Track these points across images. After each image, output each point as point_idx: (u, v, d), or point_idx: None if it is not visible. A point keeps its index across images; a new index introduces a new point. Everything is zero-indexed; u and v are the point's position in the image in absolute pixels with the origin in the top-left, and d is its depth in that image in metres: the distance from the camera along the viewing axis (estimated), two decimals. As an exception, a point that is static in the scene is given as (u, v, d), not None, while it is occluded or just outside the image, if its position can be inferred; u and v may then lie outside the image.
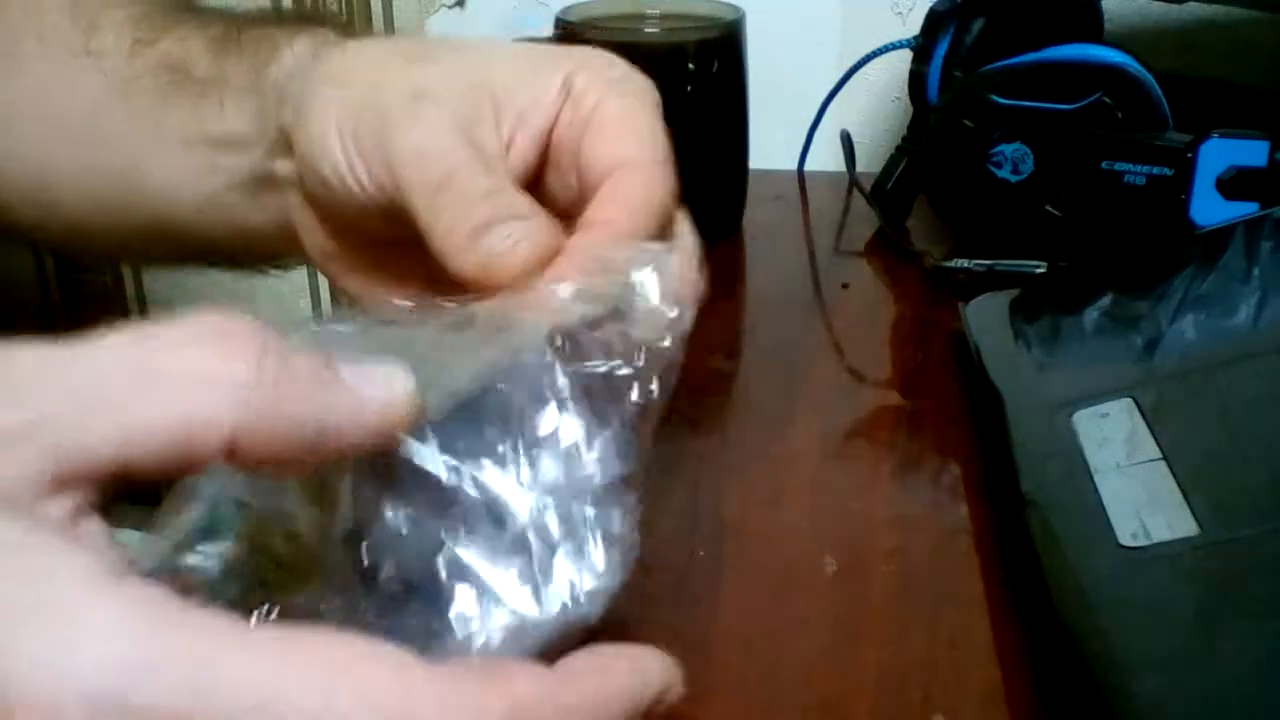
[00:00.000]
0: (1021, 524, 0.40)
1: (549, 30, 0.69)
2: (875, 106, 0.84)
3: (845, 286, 0.65)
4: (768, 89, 0.73)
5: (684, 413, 0.51)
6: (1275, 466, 0.37)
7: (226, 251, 0.46)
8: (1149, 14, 0.76)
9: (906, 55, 0.69)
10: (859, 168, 0.75)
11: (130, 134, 0.44)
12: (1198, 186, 0.59)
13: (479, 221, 0.33)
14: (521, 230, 0.33)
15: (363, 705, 0.21)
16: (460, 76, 0.36)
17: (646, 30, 0.70)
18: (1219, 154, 0.58)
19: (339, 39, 0.40)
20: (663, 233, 0.35)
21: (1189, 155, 0.59)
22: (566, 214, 0.36)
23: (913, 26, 0.69)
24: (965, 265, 0.62)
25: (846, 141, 0.75)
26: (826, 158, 0.78)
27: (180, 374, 0.23)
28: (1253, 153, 0.58)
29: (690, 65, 0.67)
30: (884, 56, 0.71)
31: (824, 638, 0.38)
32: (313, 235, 0.41)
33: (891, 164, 0.70)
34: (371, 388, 0.25)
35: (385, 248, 0.39)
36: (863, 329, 0.61)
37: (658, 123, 0.36)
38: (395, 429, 0.26)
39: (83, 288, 1.05)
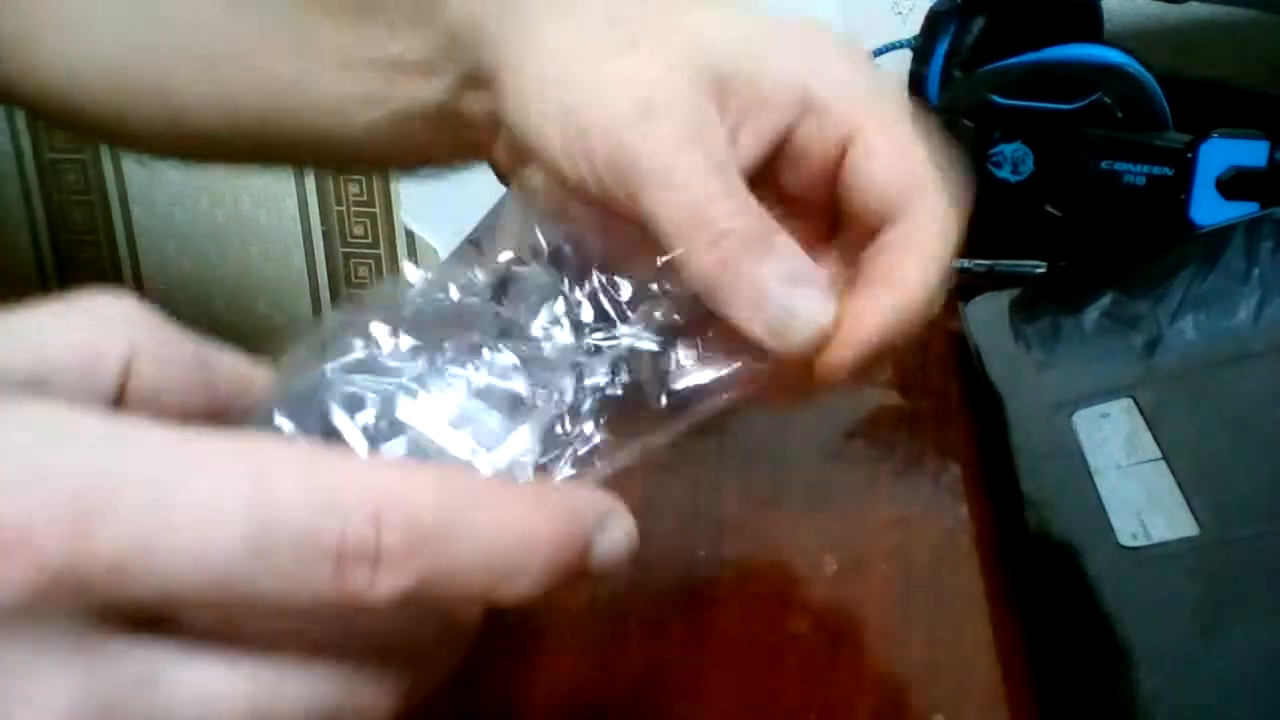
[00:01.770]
0: (1021, 524, 0.40)
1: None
2: (875, 106, 0.84)
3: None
4: (768, 89, 0.73)
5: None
6: (1275, 466, 0.37)
7: (395, 163, 0.46)
8: (1149, 14, 0.76)
9: (906, 55, 0.69)
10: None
11: (267, 56, 0.43)
12: (1198, 186, 0.59)
13: (761, 285, 0.32)
14: (816, 309, 0.33)
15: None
16: (681, 69, 0.34)
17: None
18: (1219, 154, 0.58)
19: None
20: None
21: (1189, 155, 0.59)
22: (809, 213, 0.36)
23: (913, 26, 0.69)
24: (965, 265, 0.62)
25: (846, 141, 0.75)
26: (826, 158, 0.78)
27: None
28: (1253, 153, 0.58)
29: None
30: (884, 56, 0.71)
31: (824, 638, 0.38)
32: (510, 166, 0.39)
33: (891, 164, 0.70)
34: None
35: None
36: (863, 329, 0.61)
37: (925, 153, 0.35)
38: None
39: (76, 255, 1.05)
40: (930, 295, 0.34)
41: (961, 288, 0.60)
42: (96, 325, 0.25)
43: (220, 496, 0.21)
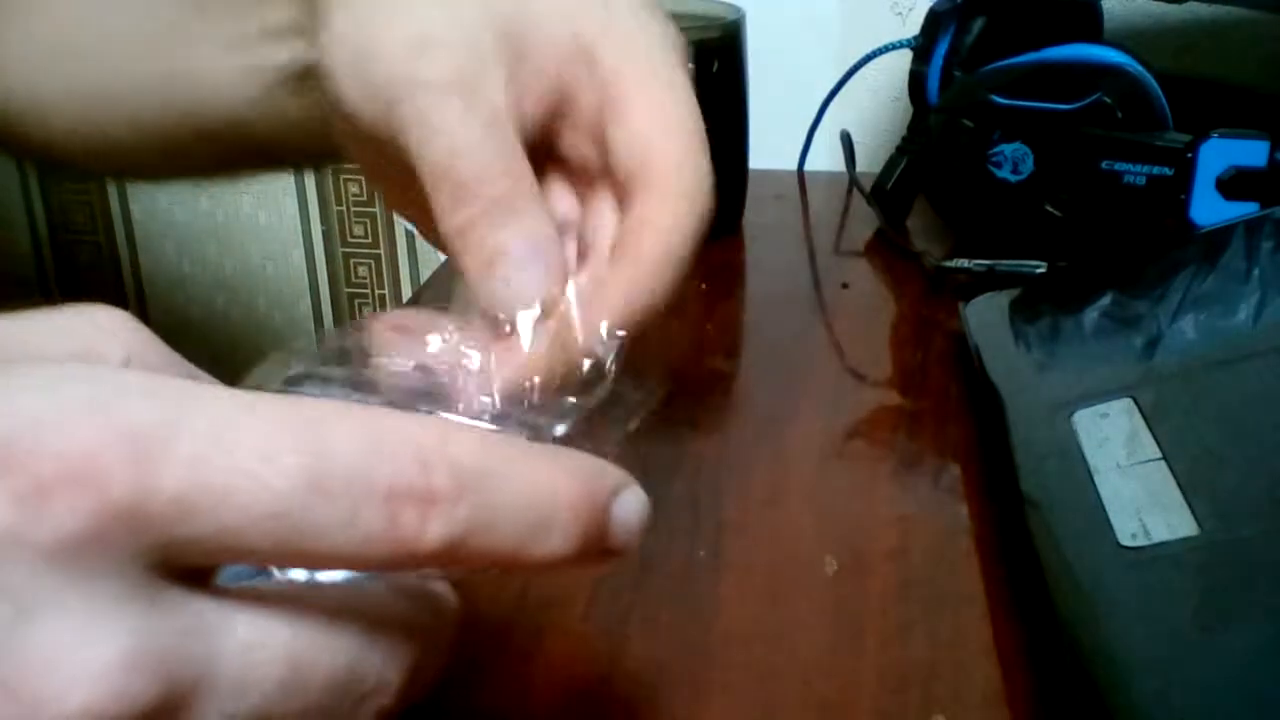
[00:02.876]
0: (1021, 524, 0.40)
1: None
2: (875, 106, 0.84)
3: (845, 286, 0.65)
4: (768, 89, 0.74)
5: (684, 413, 0.51)
6: (1275, 466, 0.37)
7: (278, 151, 0.45)
8: (1149, 14, 0.76)
9: (906, 55, 0.69)
10: (859, 168, 0.75)
11: (169, 44, 0.44)
12: (1198, 186, 0.59)
13: (491, 250, 0.33)
14: (530, 287, 0.33)
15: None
16: (470, 13, 0.34)
17: None
18: (1219, 154, 0.58)
19: None
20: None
21: (1189, 155, 0.59)
22: (579, 170, 0.36)
23: (913, 26, 0.69)
24: (965, 265, 0.62)
25: (846, 141, 0.75)
26: (826, 158, 0.79)
27: None
28: (1253, 153, 0.58)
29: (690, 65, 0.67)
30: (884, 56, 0.71)
31: (824, 638, 0.38)
32: (343, 133, 0.39)
33: (891, 164, 0.70)
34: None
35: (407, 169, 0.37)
36: (863, 329, 0.61)
37: (679, 104, 0.35)
38: None
39: (76, 255, 1.05)
40: (666, 275, 0.34)
41: (961, 288, 0.60)
42: (95, 332, 0.26)
43: (277, 436, 0.21)
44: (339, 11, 0.36)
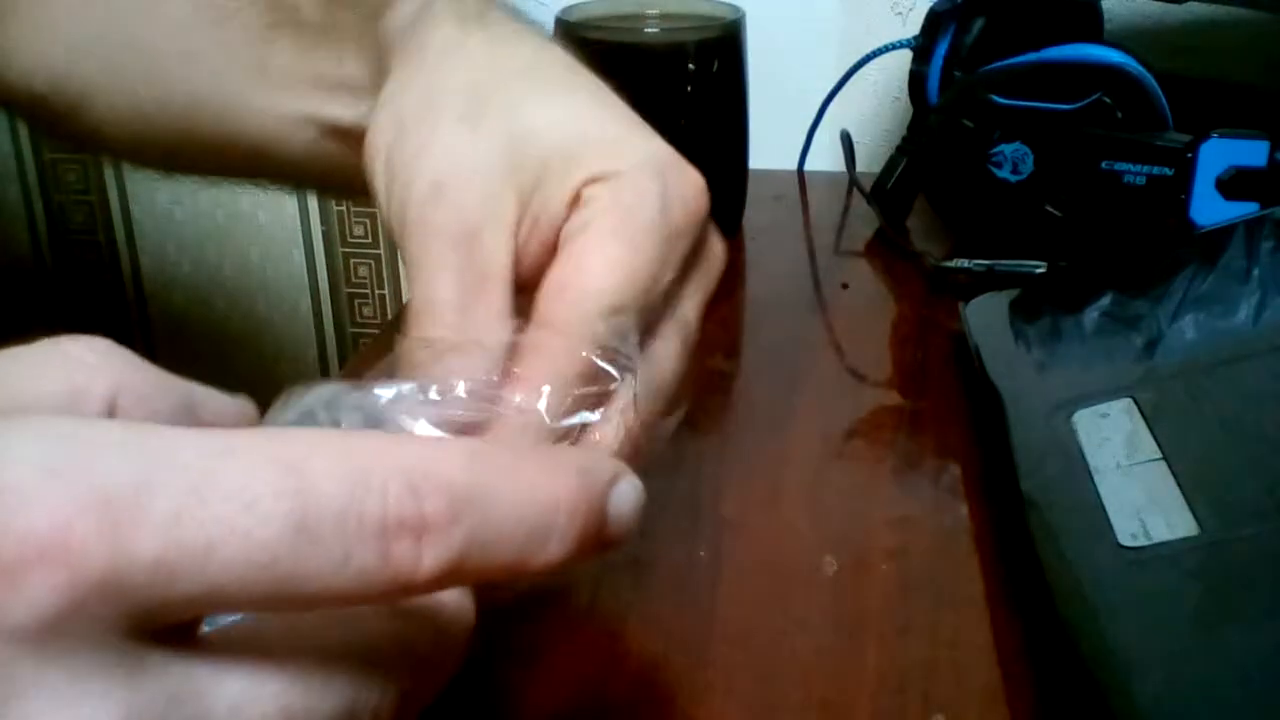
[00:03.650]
0: (1021, 524, 0.40)
1: (549, 30, 0.69)
2: (875, 106, 0.84)
3: (845, 286, 0.65)
4: (768, 89, 0.74)
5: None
6: (1275, 466, 0.37)
7: (340, 183, 0.45)
8: (1149, 14, 0.76)
9: (906, 55, 0.69)
10: (859, 168, 0.75)
11: (225, 68, 0.44)
12: (1198, 186, 0.59)
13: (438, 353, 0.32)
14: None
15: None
16: (496, 159, 0.34)
17: (646, 30, 0.70)
18: (1219, 154, 0.58)
19: (444, 10, 0.37)
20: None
21: (1189, 155, 0.59)
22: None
23: (913, 26, 0.69)
24: (965, 265, 0.62)
25: (846, 141, 0.75)
26: (826, 158, 0.79)
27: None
28: (1253, 153, 0.58)
29: (690, 65, 0.67)
30: (884, 56, 0.71)
31: (824, 638, 0.38)
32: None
33: (891, 164, 0.70)
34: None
35: None
36: (863, 329, 0.61)
37: (609, 275, 0.32)
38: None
39: (76, 255, 1.05)
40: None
41: (961, 288, 0.60)
42: (77, 367, 0.25)
43: (255, 482, 0.21)
44: (384, 109, 0.36)
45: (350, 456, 0.22)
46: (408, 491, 0.21)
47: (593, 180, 0.33)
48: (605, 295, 0.32)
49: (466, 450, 0.23)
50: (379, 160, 0.35)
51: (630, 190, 0.33)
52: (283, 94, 0.43)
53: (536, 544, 0.23)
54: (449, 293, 0.33)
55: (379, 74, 0.38)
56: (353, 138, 0.41)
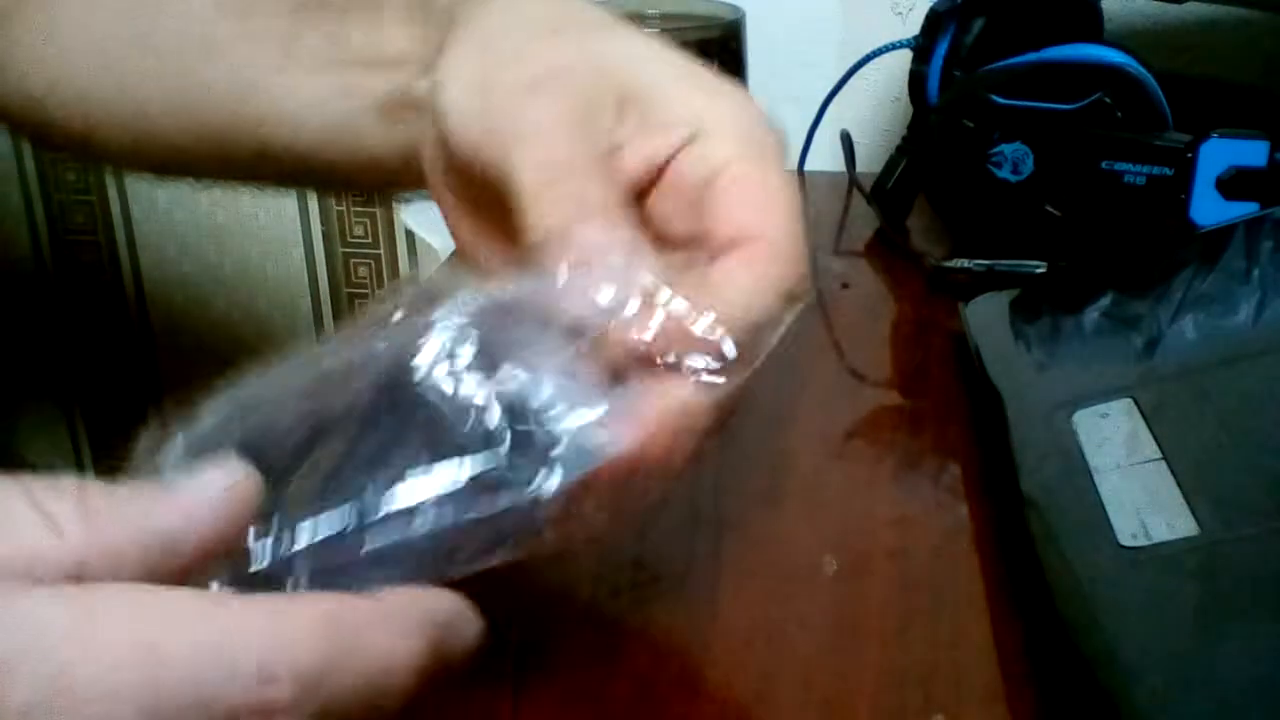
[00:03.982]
0: (1021, 524, 0.40)
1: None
2: (875, 106, 0.84)
3: (845, 286, 0.65)
4: (768, 89, 0.73)
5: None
6: (1275, 466, 0.37)
7: (343, 176, 0.46)
8: (1149, 14, 0.76)
9: (906, 55, 0.69)
10: (859, 168, 0.75)
11: (247, 57, 0.44)
12: (1198, 186, 0.59)
13: (590, 248, 0.33)
14: (624, 279, 0.32)
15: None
16: (593, 65, 0.36)
17: (646, 30, 0.70)
18: (1219, 154, 0.58)
19: None
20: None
21: (1189, 155, 0.59)
22: (672, 243, 0.36)
23: (913, 26, 0.69)
24: (965, 265, 0.62)
25: (846, 141, 0.75)
26: (826, 158, 0.78)
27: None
28: (1253, 153, 0.58)
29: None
30: (884, 56, 0.71)
31: (824, 638, 0.38)
32: (435, 166, 0.40)
33: (891, 164, 0.70)
34: (201, 492, 0.27)
35: (494, 197, 0.38)
36: (863, 329, 0.61)
37: (788, 192, 0.35)
38: (237, 521, 0.27)
39: (76, 255, 1.05)
40: (755, 312, 0.33)
41: (961, 288, 0.60)
42: (36, 526, 0.25)
43: (113, 676, 0.22)
44: (461, 48, 0.37)
45: (210, 636, 0.23)
46: (259, 675, 0.23)
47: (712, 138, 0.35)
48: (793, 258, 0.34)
49: (316, 619, 0.25)
50: (464, 83, 0.36)
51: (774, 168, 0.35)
52: (307, 76, 0.43)
53: (383, 700, 0.25)
54: (576, 156, 0.34)
55: (425, 40, 0.39)
56: (391, 108, 0.41)
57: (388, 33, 0.41)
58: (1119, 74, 0.61)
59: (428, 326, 0.30)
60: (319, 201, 1.01)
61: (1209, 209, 0.59)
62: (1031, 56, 0.63)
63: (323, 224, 1.02)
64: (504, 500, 0.29)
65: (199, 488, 0.27)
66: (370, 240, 1.02)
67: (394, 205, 1.00)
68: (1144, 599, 0.35)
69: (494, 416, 0.30)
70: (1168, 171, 0.59)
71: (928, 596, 0.40)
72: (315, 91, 0.43)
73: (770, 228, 0.34)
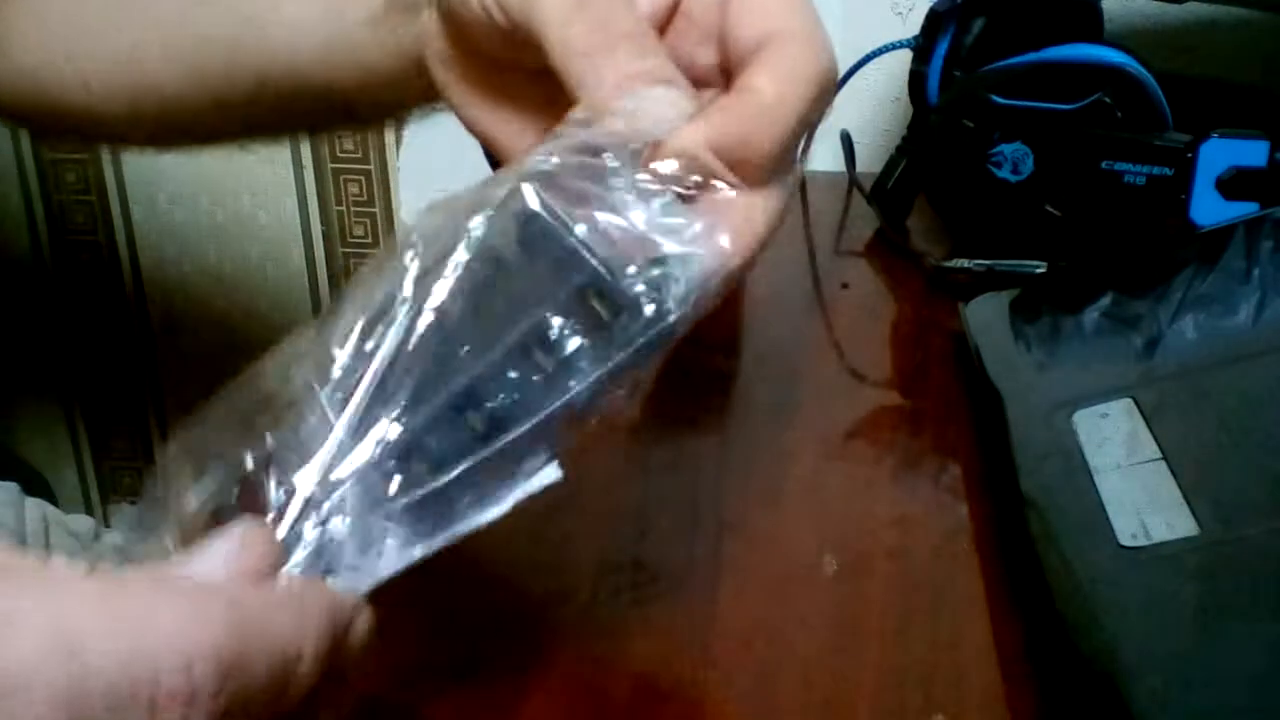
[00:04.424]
0: (1021, 524, 0.40)
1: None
2: (875, 106, 0.84)
3: (845, 286, 0.65)
4: (768, 89, 0.73)
5: (684, 413, 0.51)
6: (1275, 466, 0.37)
7: (341, 99, 0.46)
8: (1149, 14, 0.76)
9: (906, 55, 0.69)
10: (859, 168, 0.75)
11: None
12: (1198, 186, 0.59)
13: (624, 74, 0.33)
14: (679, 102, 0.33)
15: None
16: None
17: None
18: (1219, 154, 0.58)
19: None
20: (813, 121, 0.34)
21: (1189, 155, 0.59)
22: (696, 80, 0.36)
23: (913, 26, 0.69)
24: (965, 265, 0.62)
25: (846, 141, 0.75)
26: (826, 158, 0.78)
27: None
28: (1253, 153, 0.58)
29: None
30: (884, 56, 0.71)
31: (824, 638, 0.38)
32: (440, 61, 0.40)
33: (891, 164, 0.70)
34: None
35: (509, 74, 0.39)
36: (863, 329, 0.61)
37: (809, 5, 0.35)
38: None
39: (76, 255, 1.05)
40: (783, 100, 0.33)
41: (961, 288, 0.60)
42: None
43: (35, 670, 0.22)
44: None
45: (134, 628, 0.24)
46: (180, 665, 0.24)
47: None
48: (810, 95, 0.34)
49: (227, 607, 0.25)
50: None
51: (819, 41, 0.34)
52: (298, 3, 0.44)
53: (288, 687, 0.26)
54: (613, 3, 0.34)
55: None
56: (388, 12, 0.41)
57: None
58: (1119, 74, 0.61)
59: (514, 192, 0.31)
60: (319, 201, 1.01)
61: (1209, 209, 0.59)
62: (1031, 56, 0.63)
63: (323, 224, 1.02)
64: (644, 328, 0.31)
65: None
66: (370, 240, 1.02)
67: (394, 206, 1.00)
68: (1144, 599, 0.35)
69: (607, 251, 0.31)
70: (1168, 171, 0.59)
71: (928, 596, 0.40)
72: (308, 13, 0.43)
73: (792, 23, 0.34)
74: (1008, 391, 0.47)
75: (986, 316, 0.53)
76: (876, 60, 0.71)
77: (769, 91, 0.33)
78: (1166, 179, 0.59)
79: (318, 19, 0.44)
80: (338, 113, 0.48)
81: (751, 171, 0.33)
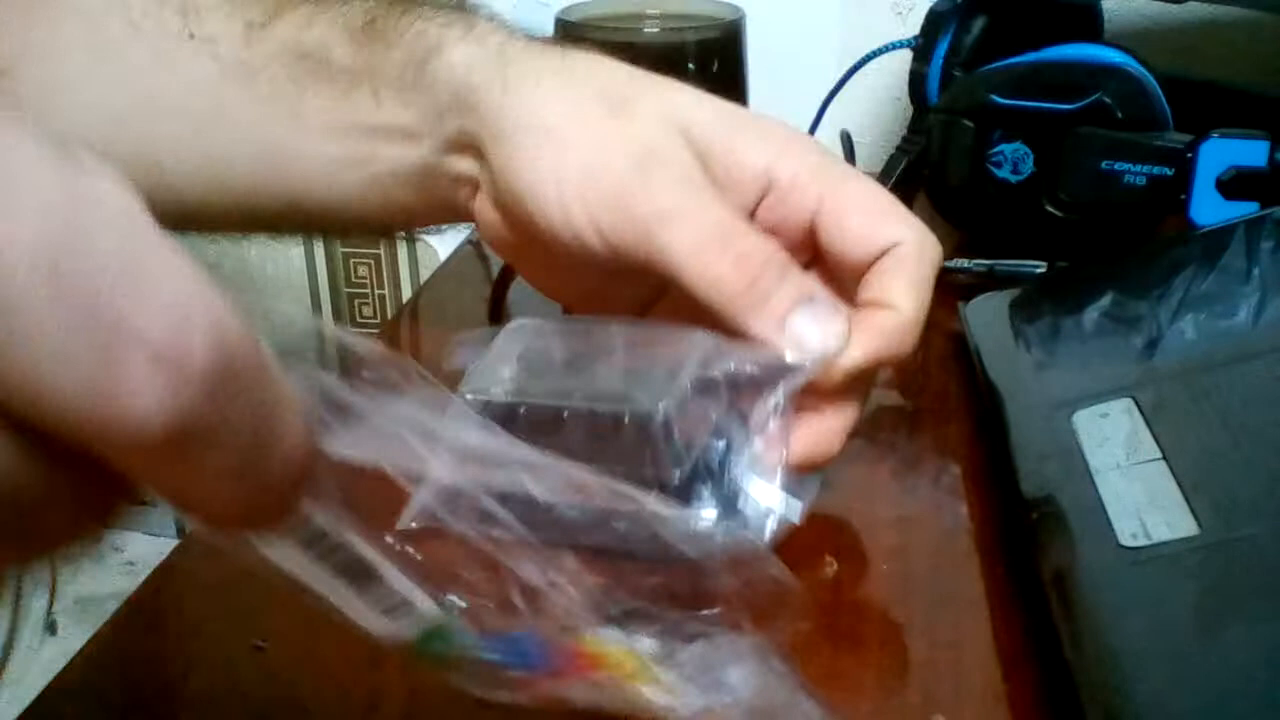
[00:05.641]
0: (1021, 524, 0.40)
1: (549, 30, 0.69)
2: (875, 106, 0.84)
3: (845, 286, 0.65)
4: (768, 89, 0.73)
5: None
6: (1275, 466, 0.37)
7: (379, 225, 0.47)
8: (1149, 14, 0.76)
9: (906, 55, 0.69)
10: (859, 168, 0.75)
11: (259, 120, 0.44)
12: (1198, 186, 0.59)
13: (782, 309, 0.36)
14: (834, 324, 0.37)
15: None
16: (671, 131, 0.38)
17: (646, 30, 0.70)
18: (1219, 154, 0.58)
19: (510, 41, 0.41)
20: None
21: (1189, 155, 0.59)
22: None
23: (913, 26, 0.69)
24: (965, 265, 0.62)
25: (846, 141, 0.75)
26: (826, 158, 0.78)
27: None
28: (1253, 153, 0.58)
29: (690, 65, 0.67)
30: (884, 56, 0.71)
31: (824, 638, 0.38)
32: (495, 230, 0.42)
33: (891, 164, 0.70)
34: None
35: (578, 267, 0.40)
36: (863, 329, 0.61)
37: (887, 194, 0.40)
38: None
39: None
40: (920, 311, 0.38)
41: (961, 288, 0.60)
42: None
43: (24, 185, 0.16)
44: (522, 128, 0.39)
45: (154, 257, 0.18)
46: (178, 314, 0.18)
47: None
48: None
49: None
50: (539, 166, 0.38)
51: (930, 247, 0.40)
52: (325, 138, 0.43)
53: (265, 454, 0.19)
54: (725, 215, 0.37)
55: (438, 118, 0.41)
56: (414, 175, 0.42)
57: (386, 104, 0.42)
58: (1119, 74, 0.61)
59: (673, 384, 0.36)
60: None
61: (1209, 209, 0.59)
62: (1031, 56, 0.63)
63: (323, 224, 1.02)
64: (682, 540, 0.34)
65: None
66: (370, 240, 1.02)
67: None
68: (1144, 599, 0.35)
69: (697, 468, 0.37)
70: (1168, 171, 0.59)
71: (928, 596, 0.40)
72: (332, 155, 0.43)
73: (909, 232, 0.39)
74: (1008, 391, 0.47)
75: (986, 316, 0.53)
76: (876, 60, 0.71)
77: (908, 309, 0.38)
78: (1166, 179, 0.59)
79: (341, 163, 0.43)
80: (374, 231, 0.49)
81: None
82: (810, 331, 0.36)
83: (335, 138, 0.43)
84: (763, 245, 0.37)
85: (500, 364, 0.39)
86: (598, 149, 0.38)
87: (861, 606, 0.39)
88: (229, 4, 0.44)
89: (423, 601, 0.26)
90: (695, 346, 0.37)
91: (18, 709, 0.35)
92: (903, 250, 0.39)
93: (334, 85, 0.42)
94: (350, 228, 0.47)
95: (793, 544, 0.42)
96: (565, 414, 0.37)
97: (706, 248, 0.36)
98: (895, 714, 0.35)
